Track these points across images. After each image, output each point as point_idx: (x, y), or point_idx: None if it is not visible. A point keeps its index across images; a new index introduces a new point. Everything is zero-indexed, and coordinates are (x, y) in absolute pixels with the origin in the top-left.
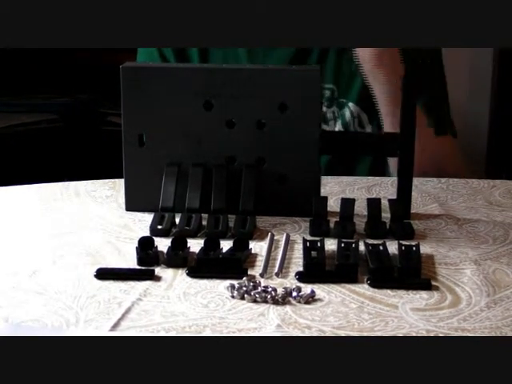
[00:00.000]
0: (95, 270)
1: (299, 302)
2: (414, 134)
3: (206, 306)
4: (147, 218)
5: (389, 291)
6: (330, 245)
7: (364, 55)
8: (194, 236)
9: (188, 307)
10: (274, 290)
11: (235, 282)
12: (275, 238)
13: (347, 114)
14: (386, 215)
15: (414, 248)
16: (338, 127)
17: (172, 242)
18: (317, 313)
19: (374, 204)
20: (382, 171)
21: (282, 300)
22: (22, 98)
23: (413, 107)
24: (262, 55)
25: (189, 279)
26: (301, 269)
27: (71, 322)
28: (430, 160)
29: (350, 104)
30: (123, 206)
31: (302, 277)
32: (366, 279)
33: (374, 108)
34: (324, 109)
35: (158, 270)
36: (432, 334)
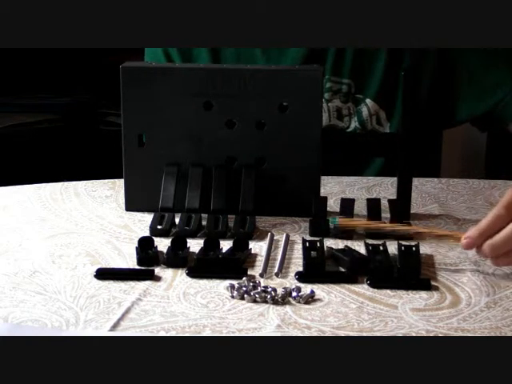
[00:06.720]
0: (95, 270)
1: (299, 302)
2: (413, 133)
3: (206, 306)
4: (147, 218)
5: (388, 291)
6: (330, 245)
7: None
8: (193, 236)
9: (188, 307)
10: (274, 290)
11: (235, 282)
12: (275, 238)
13: (364, 110)
14: (385, 215)
15: (414, 248)
16: (354, 124)
17: (172, 242)
18: (316, 313)
19: (373, 204)
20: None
21: (282, 300)
22: (23, 98)
23: (413, 106)
24: (277, 53)
25: (188, 279)
26: (300, 269)
27: (71, 322)
28: None
29: (368, 100)
30: (123, 206)
31: (301, 277)
32: (365, 279)
33: (392, 105)
34: (339, 104)
35: (157, 270)
36: (432, 334)
